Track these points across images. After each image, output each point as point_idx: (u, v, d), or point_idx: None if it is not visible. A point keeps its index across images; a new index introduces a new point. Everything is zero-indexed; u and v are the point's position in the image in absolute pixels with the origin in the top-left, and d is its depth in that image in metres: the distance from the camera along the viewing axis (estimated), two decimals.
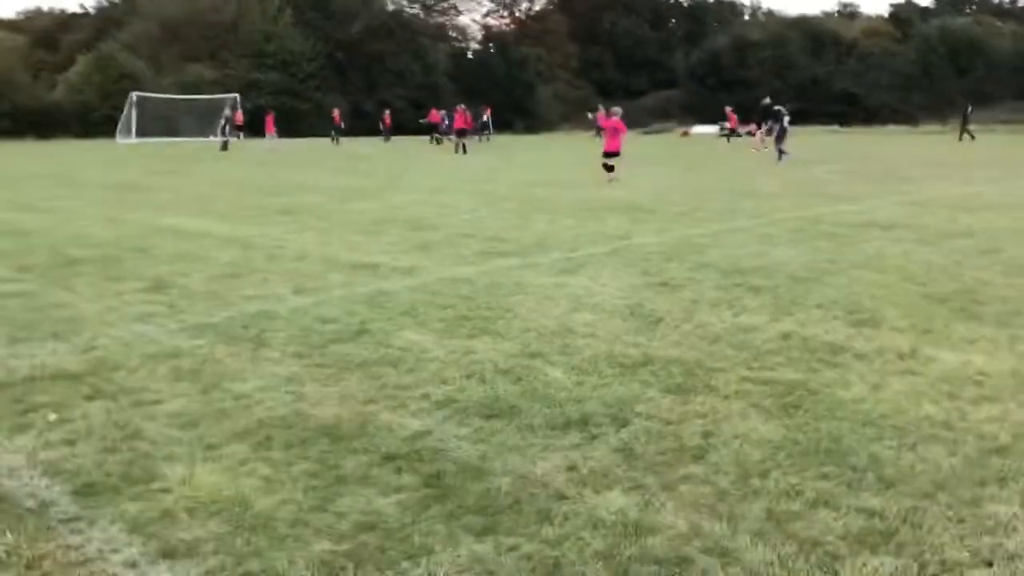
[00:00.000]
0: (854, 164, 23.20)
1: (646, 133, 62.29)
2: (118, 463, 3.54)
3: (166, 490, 3.30)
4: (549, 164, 24.78)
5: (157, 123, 48.87)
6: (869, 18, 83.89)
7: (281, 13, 62.86)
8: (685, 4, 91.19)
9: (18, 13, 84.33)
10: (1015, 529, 2.97)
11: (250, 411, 4.15)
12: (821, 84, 68.37)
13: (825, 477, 3.38)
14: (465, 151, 30.76)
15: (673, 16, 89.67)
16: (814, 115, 65.74)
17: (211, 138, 47.82)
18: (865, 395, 4.30)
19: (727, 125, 51.51)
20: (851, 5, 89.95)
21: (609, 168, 17.05)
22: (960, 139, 38.44)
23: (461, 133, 32.86)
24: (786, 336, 5.38)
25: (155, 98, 50.01)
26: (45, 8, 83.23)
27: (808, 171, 20.10)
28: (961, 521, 3.03)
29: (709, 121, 65.20)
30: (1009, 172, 19.27)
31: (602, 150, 17.39)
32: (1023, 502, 3.16)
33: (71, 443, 3.78)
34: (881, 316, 5.85)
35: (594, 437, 3.80)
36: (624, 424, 3.94)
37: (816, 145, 35.93)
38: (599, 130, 50.86)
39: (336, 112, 43.32)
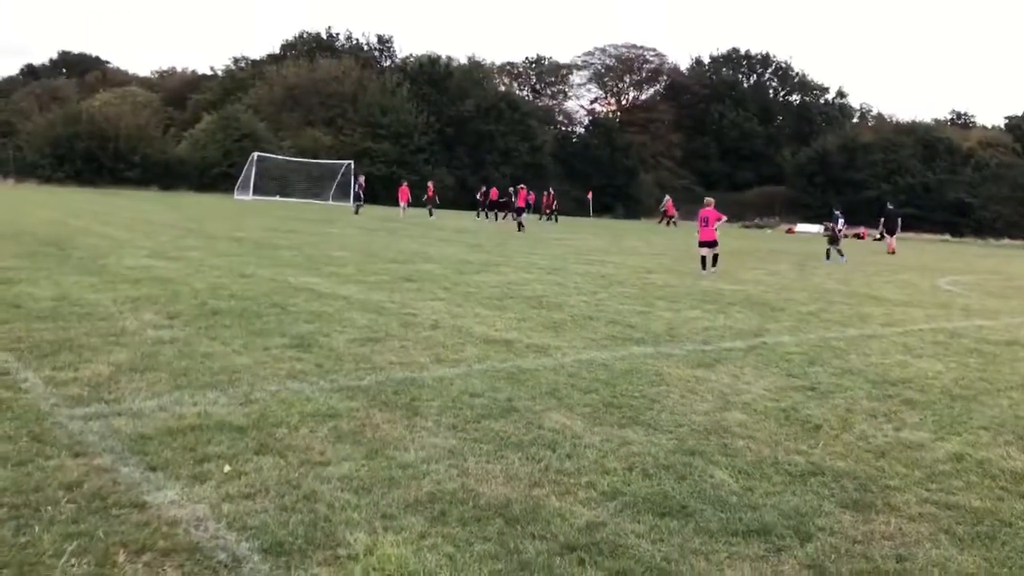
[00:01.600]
0: (975, 276, 22.41)
1: (746, 227, 61.75)
2: (300, 524, 3.55)
3: (353, 557, 3.27)
4: (656, 250, 24.70)
5: (272, 183, 51.03)
6: (984, 128, 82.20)
7: (399, 88, 65.45)
8: (795, 102, 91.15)
9: (153, 72, 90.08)
10: None
11: (419, 482, 4.13)
12: (932, 191, 66.96)
13: None
14: (521, 228, 31.36)
15: (781, 113, 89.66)
16: (924, 222, 64.29)
17: (324, 201, 49.56)
18: None
19: (831, 225, 50.70)
20: (966, 115, 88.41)
21: (704, 260, 17.02)
22: None
23: (519, 211, 33.87)
24: (958, 458, 5.10)
25: (274, 159, 52.26)
26: (179, 68, 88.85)
27: (929, 280, 19.48)
28: None
29: (814, 219, 64.40)
30: None
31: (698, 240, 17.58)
32: None
33: (250, 497, 3.82)
34: None
35: (779, 550, 3.63)
36: (807, 538, 3.76)
37: (929, 254, 34.94)
38: (667, 218, 50.83)
39: (430, 184, 44.12)
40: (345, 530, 3.52)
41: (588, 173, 70.88)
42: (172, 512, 3.61)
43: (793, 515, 4.01)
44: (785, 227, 61.36)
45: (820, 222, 61.69)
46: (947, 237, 57.56)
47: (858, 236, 54.22)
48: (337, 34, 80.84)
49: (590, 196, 66.16)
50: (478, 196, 48.14)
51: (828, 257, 23.89)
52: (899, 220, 34.33)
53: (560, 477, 4.35)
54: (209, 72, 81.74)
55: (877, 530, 3.91)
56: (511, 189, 38.67)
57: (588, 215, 64.69)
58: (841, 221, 24.88)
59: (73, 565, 3.09)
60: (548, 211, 46.26)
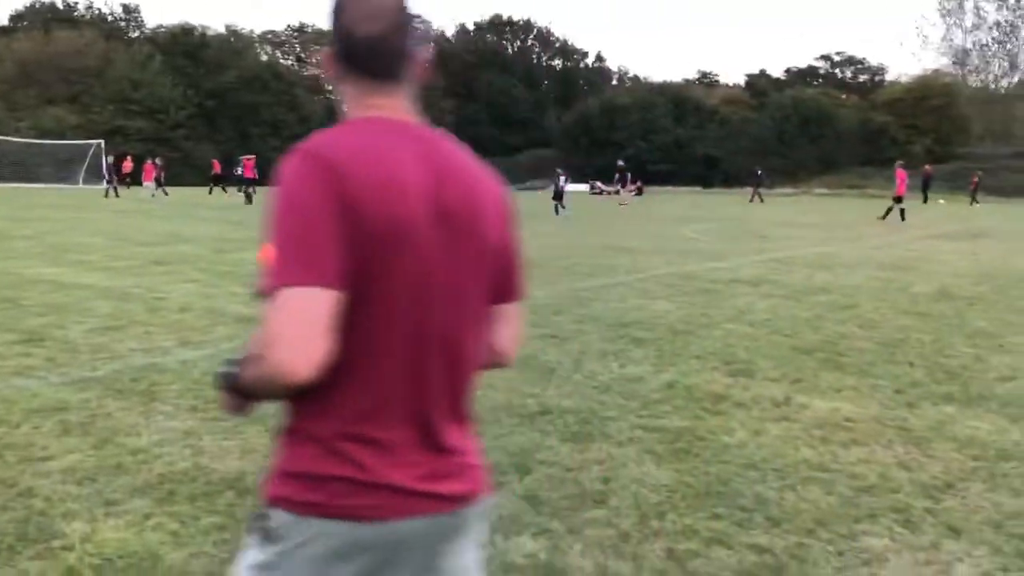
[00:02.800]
0: (718, 224, 24.49)
1: (521, 190, 63.72)
2: (12, 522, 3.42)
3: (68, 547, 3.21)
4: None
5: (10, 168, 46.46)
6: (727, 87, 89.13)
7: (150, 60, 61.35)
8: (558, 67, 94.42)
9: None
10: (887, 560, 3.27)
11: (149, 466, 4.07)
12: (684, 147, 71.83)
13: (717, 517, 3.62)
14: (249, 200, 32.22)
15: (546, 78, 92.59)
16: (679, 177, 69.05)
17: (73, 186, 45.86)
18: (747, 440, 4.61)
19: (598, 184, 53.75)
20: (710, 74, 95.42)
21: None
22: (751, 201, 41.57)
23: (248, 183, 34.64)
24: (670, 385, 5.68)
25: (10, 141, 47.63)
26: None
27: (676, 230, 21.09)
28: (841, 554, 3.31)
29: (581, 180, 67.35)
30: (857, 233, 20.81)
31: None
32: (892, 535, 3.48)
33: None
34: (755, 367, 6.25)
35: (500, 485, 3.92)
36: (527, 472, 4.09)
37: (681, 205, 37.70)
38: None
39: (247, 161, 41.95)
40: (62, 522, 3.43)
41: None
42: None
43: (518, 452, 4.33)
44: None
45: (586, 182, 64.77)
46: (699, 189, 62.19)
47: (617, 192, 57.38)
48: (76, 3, 74.34)
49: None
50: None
51: (557, 212, 26.10)
52: (628, 175, 40.56)
53: None
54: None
55: (590, 457, 4.31)
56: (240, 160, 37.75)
57: None
58: (563, 179, 27.90)
59: None
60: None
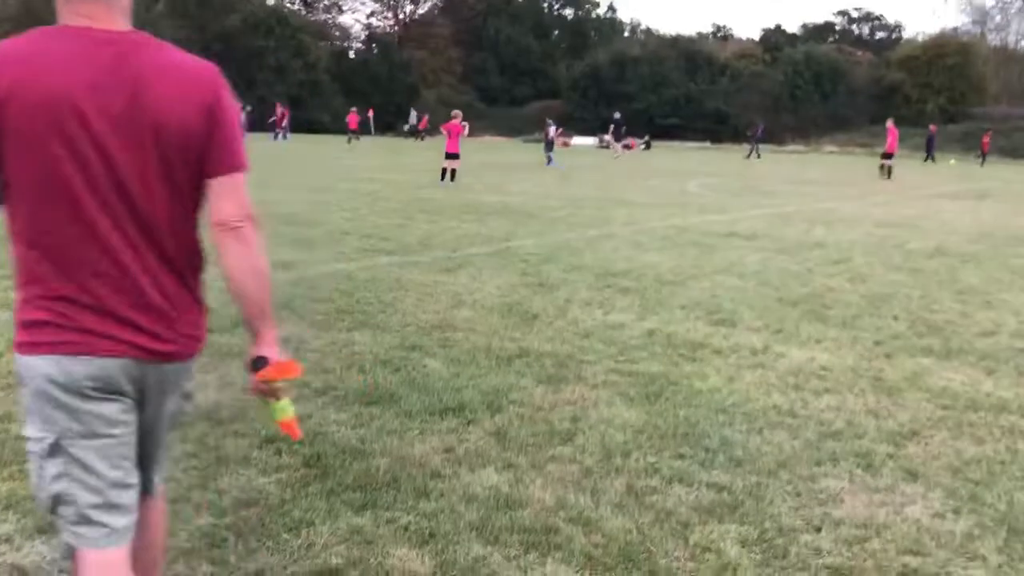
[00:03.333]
0: (722, 179, 24.35)
1: (527, 141, 63.25)
2: None
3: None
4: (432, 165, 24.90)
5: None
6: (740, 41, 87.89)
7: (155, 3, 60.69)
8: (568, 17, 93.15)
9: None
10: (843, 500, 3.33)
11: None
12: (694, 101, 71.06)
13: (681, 457, 3.68)
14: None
15: (557, 28, 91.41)
16: (688, 131, 68.38)
17: None
18: (720, 386, 4.66)
19: (606, 138, 53.46)
20: (724, 28, 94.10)
21: (444, 171, 17.81)
22: (748, 158, 41.38)
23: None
24: (651, 333, 5.72)
25: None
26: None
27: (680, 184, 20.99)
28: (798, 495, 3.37)
29: (589, 132, 66.75)
30: (863, 190, 20.67)
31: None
32: (851, 478, 3.54)
33: None
34: (738, 317, 6.29)
35: (470, 423, 3.99)
36: (498, 410, 4.15)
37: (688, 159, 37.43)
38: (420, 132, 52.60)
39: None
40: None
41: (368, 91, 69.43)
42: None
43: (491, 392, 4.39)
44: (561, 140, 63.23)
45: (595, 135, 64.23)
46: (707, 144, 61.70)
47: (627, 146, 56.96)
48: None
49: (371, 114, 65.09)
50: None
51: (549, 162, 26.48)
52: (623, 129, 42.00)
53: None
54: None
55: (563, 398, 4.37)
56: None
57: (370, 134, 63.74)
58: (553, 129, 28.67)
59: None
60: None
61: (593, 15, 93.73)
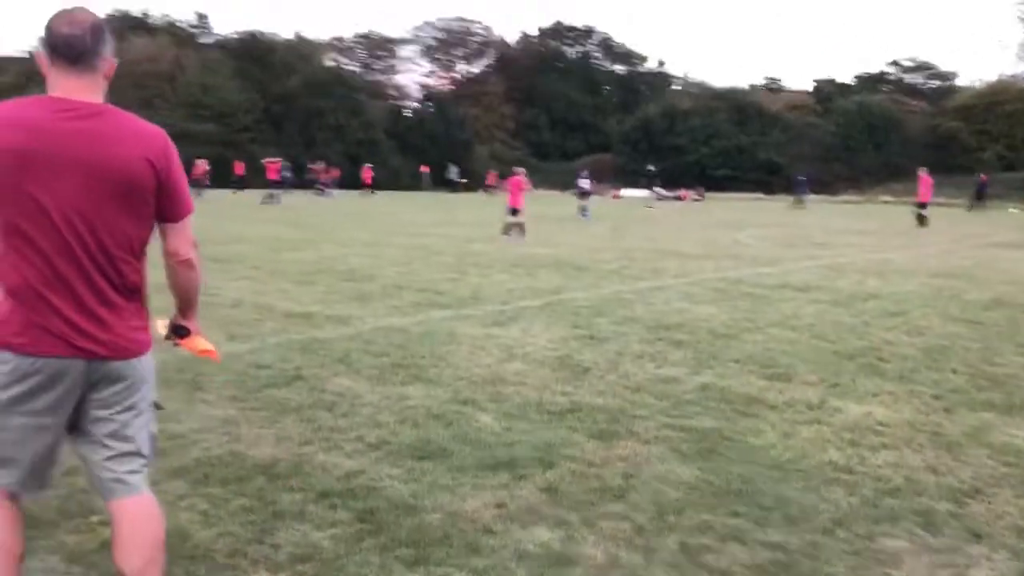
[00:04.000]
0: (774, 230, 24.16)
1: (575, 194, 63.55)
2: (56, 498, 3.60)
3: (104, 523, 3.37)
4: (484, 220, 25.20)
5: None
6: (792, 92, 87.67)
7: (221, 65, 62.93)
8: (619, 72, 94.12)
9: None
10: (903, 561, 3.26)
11: (187, 451, 4.25)
12: (746, 153, 70.94)
13: (735, 515, 3.63)
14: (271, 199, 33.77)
15: (607, 83, 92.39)
16: (740, 182, 68.12)
17: None
18: (775, 442, 4.60)
19: (659, 190, 53.67)
20: (775, 80, 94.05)
21: (509, 225, 17.97)
22: (793, 208, 41.12)
23: (273, 184, 36.01)
24: (705, 388, 5.68)
25: None
26: None
27: (730, 235, 20.89)
28: (856, 554, 3.31)
29: (639, 185, 66.87)
30: (918, 240, 20.33)
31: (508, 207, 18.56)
32: (911, 538, 3.46)
33: None
34: (793, 371, 6.21)
35: (522, 478, 4.00)
36: (550, 466, 4.15)
37: (740, 210, 37.24)
38: (489, 187, 53.41)
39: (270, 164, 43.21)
40: (101, 500, 3.60)
41: (424, 148, 70.78)
42: None
43: (543, 448, 4.40)
44: (612, 192, 63.42)
45: (646, 187, 64.31)
46: (759, 195, 61.31)
47: (678, 198, 56.90)
48: (150, 12, 76.74)
49: (426, 171, 66.20)
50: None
51: (583, 213, 26.72)
52: (657, 179, 44.09)
53: (331, 434, 4.57)
54: (13, 54, 75.67)
55: (615, 454, 4.36)
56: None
57: (423, 189, 64.72)
58: (585, 182, 28.75)
59: None
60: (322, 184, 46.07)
61: (643, 69, 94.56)
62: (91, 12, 2.40)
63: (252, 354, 6.38)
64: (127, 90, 62.84)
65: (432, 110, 75.76)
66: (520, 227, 17.86)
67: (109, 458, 2.52)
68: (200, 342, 2.91)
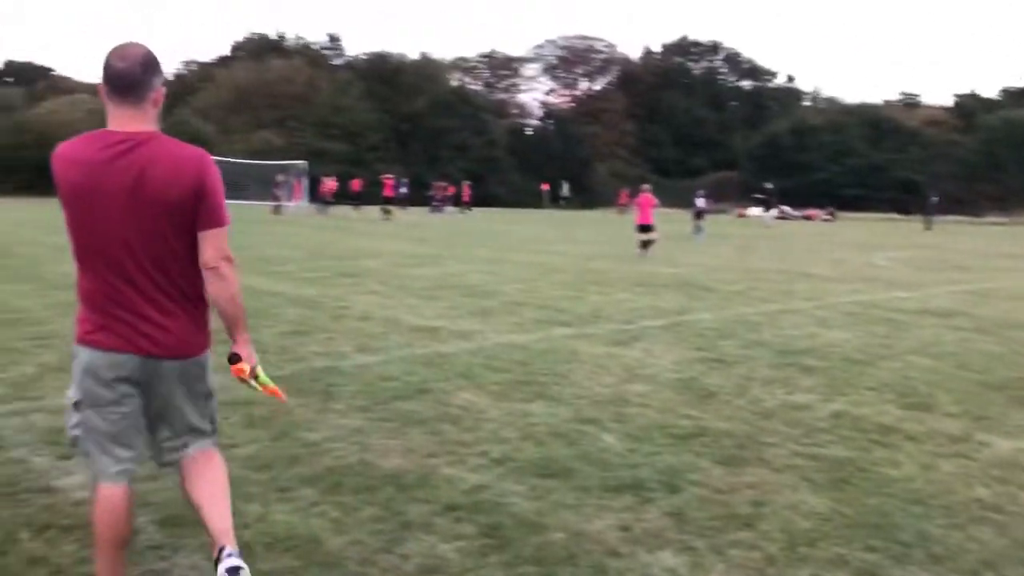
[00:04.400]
0: (912, 252, 23.10)
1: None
2: None
3: (244, 525, 3.51)
4: (603, 238, 25.13)
5: (224, 186, 50.52)
6: (931, 108, 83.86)
7: (350, 86, 65.28)
8: (746, 88, 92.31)
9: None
10: None
11: (319, 458, 4.39)
12: (880, 171, 68.21)
13: (872, 550, 3.47)
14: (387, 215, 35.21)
15: (733, 99, 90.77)
16: (873, 202, 65.52)
17: (281, 203, 49.13)
18: (915, 475, 4.37)
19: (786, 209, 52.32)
20: (912, 95, 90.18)
21: (643, 243, 17.80)
22: (926, 229, 38.84)
23: (386, 200, 37.01)
24: (838, 416, 5.47)
25: (225, 161, 51.72)
26: None
27: (865, 257, 20.08)
28: None
29: (766, 203, 65.20)
30: None
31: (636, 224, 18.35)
32: None
33: (155, 479, 4.04)
34: (934, 401, 5.90)
35: (647, 501, 3.94)
36: (675, 490, 4.07)
37: (874, 231, 35.77)
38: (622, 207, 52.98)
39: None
40: (241, 503, 3.75)
41: (543, 164, 71.33)
42: (78, 495, 3.83)
43: (667, 471, 4.33)
44: (737, 211, 62.12)
45: (762, 204, 62.67)
46: (894, 215, 58.76)
47: (807, 217, 55.26)
48: (286, 34, 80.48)
49: (546, 188, 66.60)
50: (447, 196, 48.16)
51: (698, 233, 26.37)
52: (772, 198, 43.31)
53: (456, 448, 4.63)
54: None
55: (743, 481, 4.24)
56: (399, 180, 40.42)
57: (543, 207, 65.09)
58: (701, 201, 28.14)
59: None
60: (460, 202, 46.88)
61: (771, 85, 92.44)
62: (142, 46, 2.66)
63: (380, 366, 6.54)
64: (264, 110, 66.11)
65: (552, 128, 76.27)
66: (649, 244, 17.76)
67: (169, 437, 2.91)
68: (263, 379, 3.02)
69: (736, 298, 11.25)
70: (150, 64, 2.64)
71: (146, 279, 2.65)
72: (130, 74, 2.60)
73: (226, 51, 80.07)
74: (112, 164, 2.57)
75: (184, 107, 63.30)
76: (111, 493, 2.78)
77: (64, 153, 2.64)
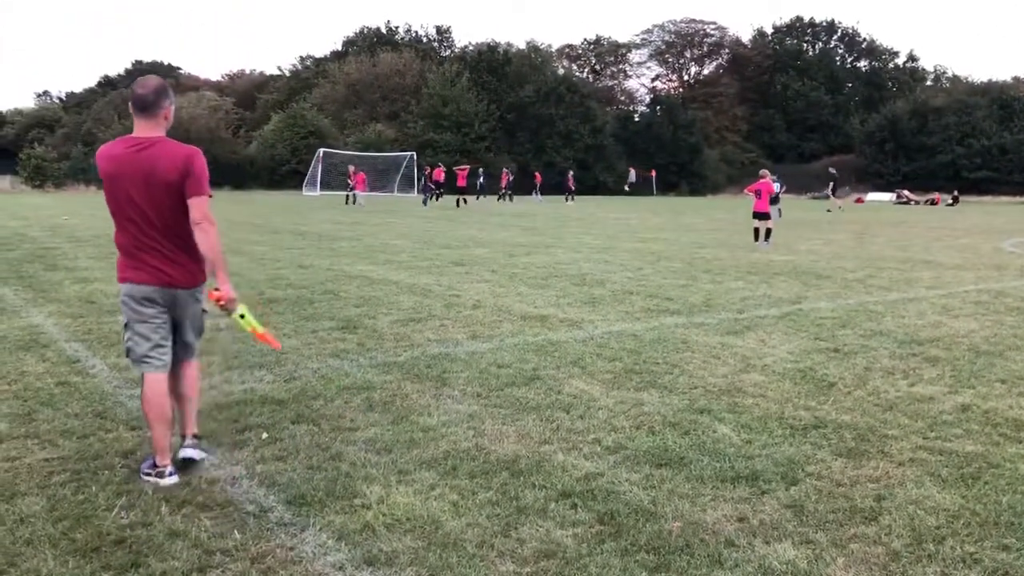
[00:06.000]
0: None
1: (815, 198, 60.56)
2: (323, 480, 3.95)
3: (366, 506, 3.66)
4: (713, 226, 24.66)
5: (339, 178, 51.97)
6: None
7: (459, 77, 65.96)
8: (863, 68, 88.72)
9: (223, 75, 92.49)
10: None
11: (436, 443, 4.51)
12: (1010, 153, 64.49)
13: (1006, 549, 3.33)
14: (426, 203, 36.48)
15: (849, 80, 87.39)
16: (1002, 184, 62.12)
17: (389, 193, 50.26)
18: None
19: (905, 193, 49.92)
20: None
21: (757, 231, 17.26)
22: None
23: (426, 189, 38.79)
24: (965, 408, 5.25)
25: (340, 154, 53.25)
26: (247, 70, 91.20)
27: (993, 243, 19.08)
28: None
29: (885, 188, 62.64)
30: None
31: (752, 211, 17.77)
32: None
33: (282, 459, 4.24)
34: None
35: (764, 492, 3.89)
36: (794, 482, 4.00)
37: (1002, 216, 33.90)
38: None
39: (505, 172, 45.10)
40: (363, 484, 3.91)
41: (651, 152, 70.45)
42: (212, 473, 4.05)
43: (785, 463, 4.25)
44: (855, 197, 59.94)
45: (892, 190, 60.16)
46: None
47: (932, 202, 52.86)
48: (396, 28, 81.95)
49: (653, 174, 65.82)
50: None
51: (779, 215, 25.27)
52: (837, 181, 42.43)
53: (569, 435, 4.67)
54: (276, 72, 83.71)
55: (864, 474, 4.13)
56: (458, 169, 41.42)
57: (652, 193, 64.36)
58: (776, 185, 26.98)
59: (122, 517, 3.54)
60: (503, 191, 46.15)
61: (891, 65, 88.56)
62: (157, 78, 3.99)
63: (493, 353, 6.65)
64: (377, 104, 67.56)
65: (660, 114, 75.16)
66: (768, 233, 17.29)
67: (183, 345, 4.14)
68: (249, 319, 4.12)
69: (855, 286, 10.88)
70: (161, 91, 3.89)
71: (158, 234, 3.90)
72: (146, 98, 3.86)
73: (338, 46, 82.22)
74: (132, 159, 3.84)
75: (301, 101, 65.33)
76: (154, 379, 3.97)
77: (103, 151, 3.93)
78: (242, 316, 4.06)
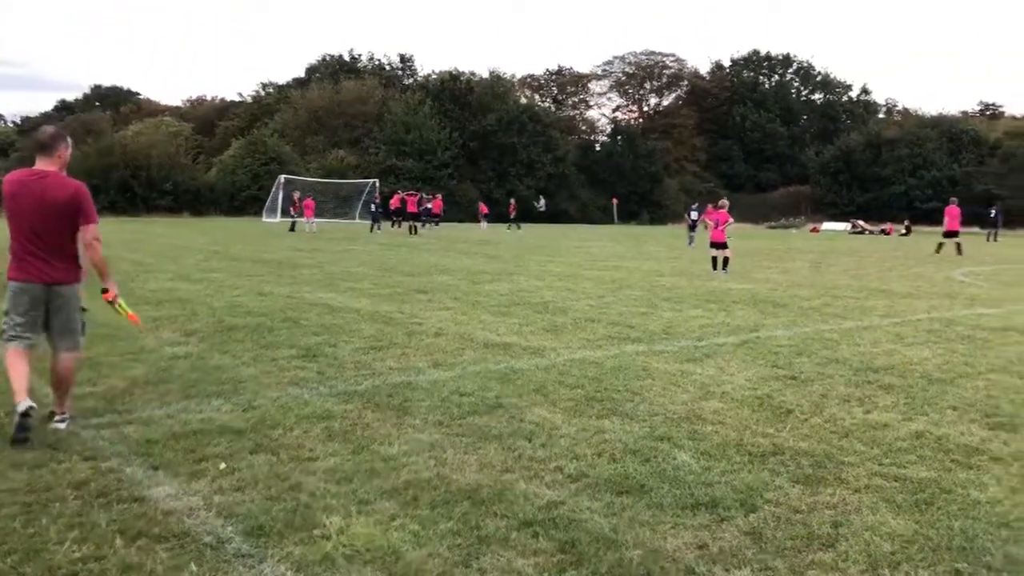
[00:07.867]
0: (994, 267, 22.36)
1: (771, 227, 61.57)
2: (282, 510, 3.91)
3: (326, 537, 3.62)
4: (673, 254, 24.93)
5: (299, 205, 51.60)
6: (1013, 118, 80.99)
7: (421, 105, 66.12)
8: (818, 101, 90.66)
9: (184, 101, 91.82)
10: None
11: (397, 472, 4.48)
12: (959, 184, 66.10)
13: (958, 573, 3.40)
14: (414, 232, 36.49)
15: (805, 112, 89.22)
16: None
17: (351, 220, 50.04)
18: (1002, 498, 4.26)
19: (859, 223, 50.92)
20: (994, 105, 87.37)
21: (715, 260, 17.57)
22: (988, 240, 37.94)
23: (413, 217, 38.63)
24: (918, 435, 5.35)
25: (301, 180, 52.94)
26: (208, 96, 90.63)
27: (944, 272, 19.52)
28: None
29: (840, 218, 63.86)
30: None
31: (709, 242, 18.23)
32: None
33: (240, 489, 4.19)
34: (1021, 421, 5.72)
35: (723, 520, 3.92)
36: (752, 509, 4.05)
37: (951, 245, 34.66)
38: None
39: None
40: (323, 515, 3.87)
41: (612, 180, 71.16)
42: (169, 504, 3.99)
43: (744, 490, 4.30)
44: (810, 226, 61.04)
45: (847, 220, 61.41)
46: (975, 229, 56.85)
47: (885, 232, 53.97)
48: (359, 55, 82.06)
49: (615, 202, 66.47)
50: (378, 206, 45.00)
51: (689, 243, 30.60)
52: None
53: (531, 464, 4.68)
54: (237, 98, 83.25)
55: (821, 501, 4.19)
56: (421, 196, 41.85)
57: (613, 222, 64.94)
58: (695, 214, 31.91)
59: (74, 550, 3.47)
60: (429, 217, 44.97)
61: (845, 98, 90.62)
62: (54, 127, 5.32)
63: (455, 381, 6.64)
64: (340, 130, 67.40)
65: (620, 144, 75.99)
66: (726, 263, 17.55)
67: (60, 335, 5.24)
68: (124, 307, 5.58)
69: (811, 314, 11.06)
70: (58, 136, 5.21)
71: (44, 245, 5.10)
72: (45, 142, 5.17)
73: (301, 73, 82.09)
74: (32, 186, 5.07)
75: (262, 128, 65.00)
76: (14, 351, 5.12)
77: (9, 177, 5.16)
78: (120, 305, 5.50)
